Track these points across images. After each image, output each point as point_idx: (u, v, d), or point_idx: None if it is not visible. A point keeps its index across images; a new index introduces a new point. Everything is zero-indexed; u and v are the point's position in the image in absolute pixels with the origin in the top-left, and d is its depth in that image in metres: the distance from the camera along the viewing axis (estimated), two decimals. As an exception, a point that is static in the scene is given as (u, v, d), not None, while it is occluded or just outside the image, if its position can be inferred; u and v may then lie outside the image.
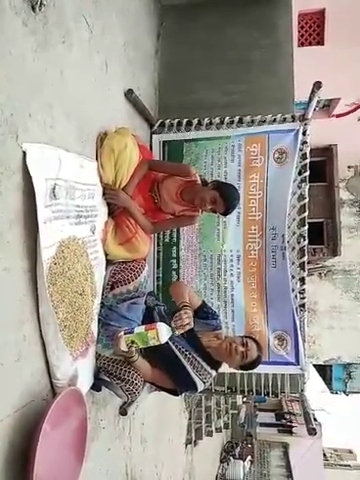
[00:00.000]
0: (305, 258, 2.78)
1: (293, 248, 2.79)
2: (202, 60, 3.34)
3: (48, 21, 1.63)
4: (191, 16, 3.47)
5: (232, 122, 2.89)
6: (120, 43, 2.58)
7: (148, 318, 2.17)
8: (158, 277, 2.97)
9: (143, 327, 1.87)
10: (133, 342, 1.83)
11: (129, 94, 2.63)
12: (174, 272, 2.96)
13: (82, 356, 1.86)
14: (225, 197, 2.25)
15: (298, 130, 2.74)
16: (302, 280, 2.78)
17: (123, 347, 1.84)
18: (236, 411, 8.35)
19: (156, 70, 3.42)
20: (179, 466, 4.78)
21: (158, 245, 2.98)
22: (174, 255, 2.97)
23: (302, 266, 2.78)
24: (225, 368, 2.19)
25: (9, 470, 1.34)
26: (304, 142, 2.76)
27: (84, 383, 1.88)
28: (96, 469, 2.22)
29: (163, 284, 2.95)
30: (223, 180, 2.78)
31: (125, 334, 1.85)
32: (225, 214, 2.38)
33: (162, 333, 1.81)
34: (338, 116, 8.53)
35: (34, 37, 1.54)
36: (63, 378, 1.67)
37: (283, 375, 2.83)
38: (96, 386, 2.04)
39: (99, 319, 2.09)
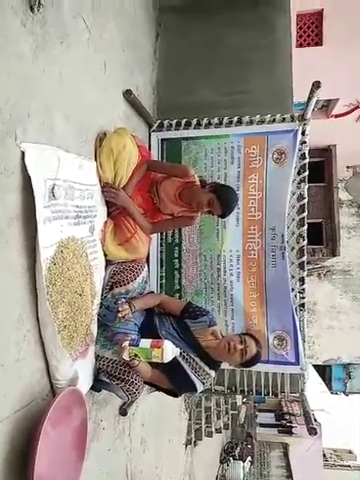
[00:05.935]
0: (304, 258, 2.78)
1: (292, 248, 2.79)
2: (201, 60, 3.34)
3: (46, 21, 1.63)
4: (189, 16, 3.47)
5: (231, 122, 2.89)
6: (118, 43, 2.58)
7: (147, 322, 2.18)
8: (161, 276, 3.00)
9: (149, 342, 1.85)
10: (136, 355, 1.83)
11: (128, 94, 2.63)
12: (176, 272, 2.98)
13: (82, 356, 1.86)
14: (222, 200, 2.23)
15: (297, 130, 2.74)
16: (302, 280, 2.78)
17: (126, 357, 1.84)
18: (236, 412, 8.35)
19: (154, 70, 3.41)
20: (179, 467, 4.77)
21: (161, 245, 3.00)
22: (176, 255, 2.99)
23: (301, 266, 2.78)
24: (225, 365, 2.20)
25: (10, 470, 1.34)
26: (303, 142, 2.76)
27: (84, 383, 1.87)
28: (96, 469, 2.22)
29: (166, 283, 2.99)
30: (223, 182, 2.78)
31: (130, 345, 1.85)
32: (222, 217, 2.37)
33: (167, 353, 1.80)
34: (337, 116, 8.56)
35: (32, 37, 1.54)
36: (62, 378, 1.67)
37: (283, 375, 2.83)
38: (96, 387, 2.04)
39: (98, 319, 2.09)
